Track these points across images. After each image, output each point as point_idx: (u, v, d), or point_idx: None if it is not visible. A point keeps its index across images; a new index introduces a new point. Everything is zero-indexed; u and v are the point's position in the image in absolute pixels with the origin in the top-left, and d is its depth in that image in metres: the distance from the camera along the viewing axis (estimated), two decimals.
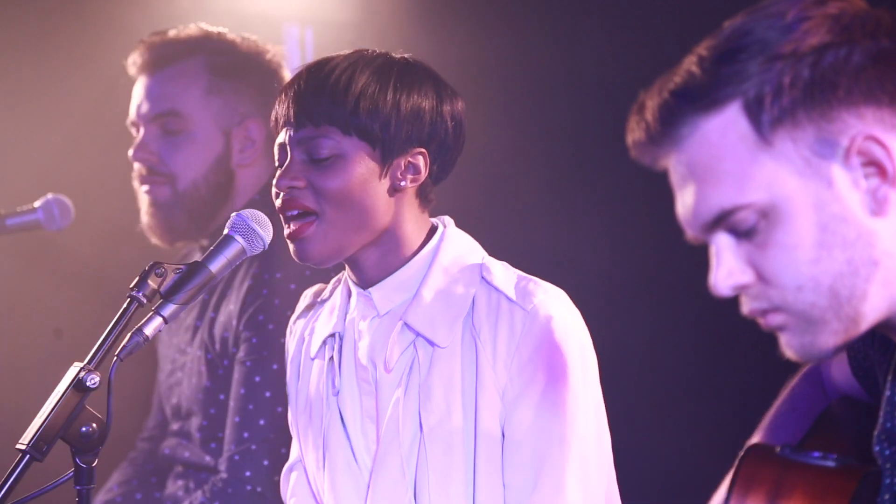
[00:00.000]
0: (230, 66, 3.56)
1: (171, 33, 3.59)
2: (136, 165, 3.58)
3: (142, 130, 3.57)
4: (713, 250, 1.82)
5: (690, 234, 1.85)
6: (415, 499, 2.54)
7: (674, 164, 1.83)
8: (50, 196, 3.62)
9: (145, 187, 3.57)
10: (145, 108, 3.57)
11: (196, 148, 3.54)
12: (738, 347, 3.76)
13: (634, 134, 1.84)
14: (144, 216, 3.58)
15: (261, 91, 3.55)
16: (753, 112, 1.77)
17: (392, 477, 2.56)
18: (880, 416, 1.93)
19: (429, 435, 2.54)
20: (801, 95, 1.76)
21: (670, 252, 3.74)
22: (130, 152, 3.57)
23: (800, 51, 1.76)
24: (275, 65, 3.60)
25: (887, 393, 1.93)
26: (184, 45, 3.56)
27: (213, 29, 3.63)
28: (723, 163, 1.78)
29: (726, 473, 2.12)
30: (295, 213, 2.55)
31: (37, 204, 3.62)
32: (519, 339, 2.52)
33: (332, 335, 2.66)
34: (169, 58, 3.56)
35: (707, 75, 1.78)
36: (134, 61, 3.60)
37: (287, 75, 3.58)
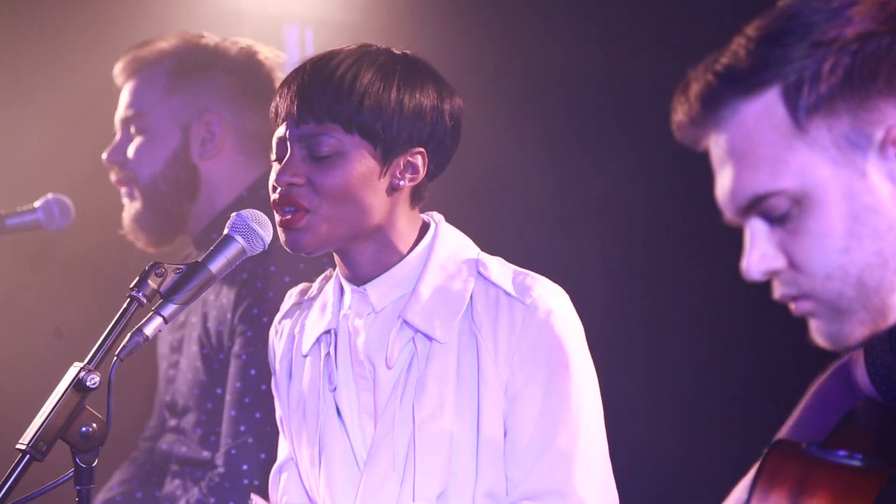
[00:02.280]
0: (193, 64, 3.62)
1: (149, 43, 3.66)
2: (112, 168, 3.67)
3: (117, 135, 3.66)
4: (747, 233, 1.81)
5: (727, 216, 1.84)
6: (402, 491, 2.55)
7: (713, 145, 1.82)
8: (50, 196, 3.63)
9: (122, 190, 3.66)
10: (118, 114, 3.68)
11: (153, 145, 3.61)
12: (738, 345, 3.76)
13: (678, 115, 1.83)
14: (123, 219, 3.64)
15: (228, 86, 3.60)
16: (791, 98, 1.75)
17: (383, 471, 2.56)
18: None
19: (420, 428, 2.54)
20: (840, 83, 1.74)
21: (670, 250, 3.75)
22: (104, 156, 3.65)
23: (842, 38, 1.74)
24: (254, 62, 3.63)
25: None
26: (156, 52, 3.64)
27: (193, 33, 3.67)
28: (759, 147, 1.77)
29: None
30: (291, 209, 2.55)
31: (37, 204, 3.62)
32: (519, 333, 2.53)
33: (328, 332, 2.65)
34: (141, 66, 3.65)
35: (751, 58, 1.77)
36: (116, 71, 3.69)
37: (274, 74, 3.62)
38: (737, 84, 1.78)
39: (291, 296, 2.78)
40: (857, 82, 1.74)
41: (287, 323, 2.76)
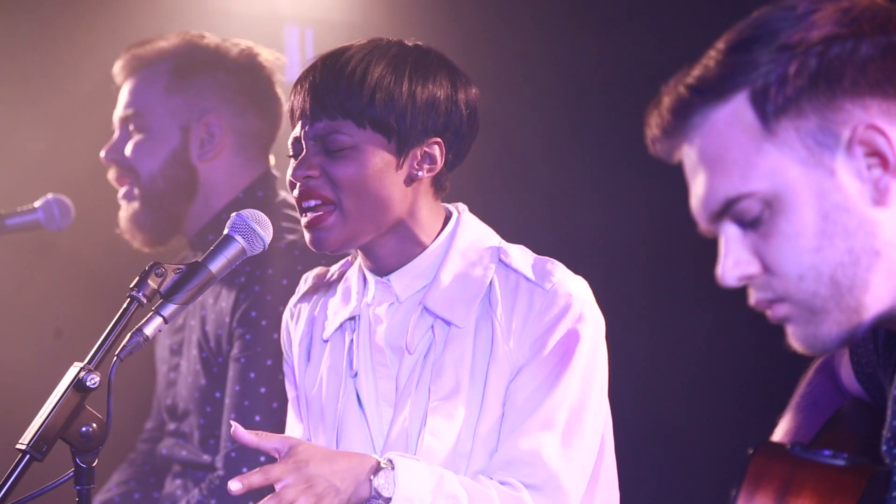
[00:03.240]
0: (194, 64, 3.61)
1: (150, 42, 3.64)
2: (110, 166, 3.66)
3: (115, 133, 3.64)
4: (721, 240, 1.83)
5: (702, 225, 1.85)
6: None
7: (686, 156, 1.84)
8: (50, 196, 3.63)
9: (122, 189, 3.65)
10: (117, 112, 3.67)
11: (152, 143, 3.60)
12: (739, 344, 3.76)
13: (651, 130, 1.85)
14: (119, 218, 3.63)
15: (229, 87, 3.59)
16: (759, 101, 1.78)
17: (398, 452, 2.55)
18: (887, 416, 1.93)
19: (434, 409, 2.55)
20: (806, 85, 1.76)
21: (676, 246, 3.75)
22: (102, 154, 3.62)
23: (807, 41, 1.76)
24: (255, 64, 3.61)
25: (894, 391, 1.93)
26: (156, 51, 3.62)
27: (195, 33, 3.66)
28: (729, 152, 1.79)
29: (726, 469, 2.12)
30: (312, 203, 2.56)
31: (37, 204, 3.63)
32: (536, 315, 2.54)
33: (352, 318, 2.65)
34: (141, 63, 3.63)
35: (719, 66, 1.80)
36: (116, 69, 3.67)
37: (274, 76, 3.62)
38: (706, 92, 1.80)
39: (308, 280, 2.78)
40: (822, 84, 1.76)
41: (304, 307, 2.75)
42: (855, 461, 1.91)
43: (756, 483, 1.89)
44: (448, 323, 2.57)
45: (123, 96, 3.65)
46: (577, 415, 2.54)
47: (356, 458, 2.46)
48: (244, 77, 3.61)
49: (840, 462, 1.90)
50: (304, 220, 2.58)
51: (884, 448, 1.91)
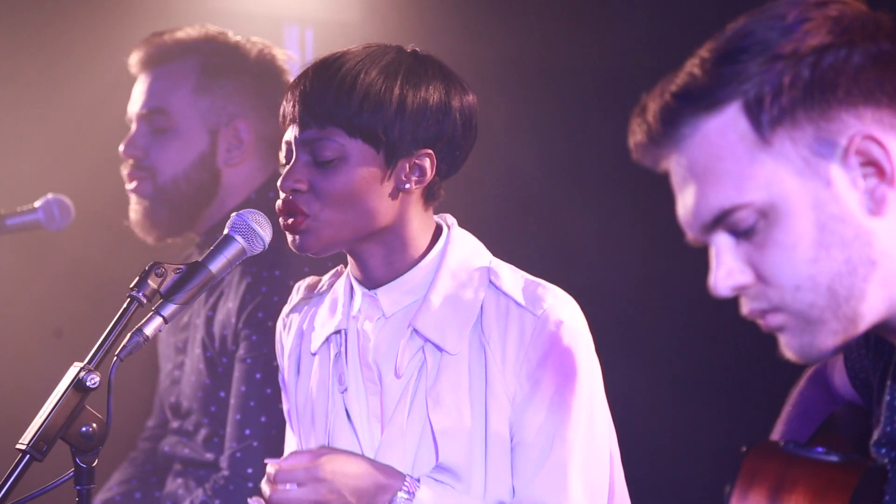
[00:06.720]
0: (222, 66, 3.58)
1: (171, 33, 3.62)
2: (127, 161, 3.62)
3: (133, 127, 3.61)
4: (713, 251, 1.82)
5: (690, 235, 1.85)
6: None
7: (674, 165, 1.83)
8: (50, 196, 3.63)
9: (132, 184, 3.62)
10: (137, 105, 3.62)
11: (179, 145, 3.58)
12: (736, 348, 3.76)
13: (636, 136, 1.84)
14: (130, 212, 3.61)
15: (254, 92, 3.58)
16: (753, 112, 1.77)
17: None
18: (880, 422, 1.93)
19: (441, 437, 2.52)
20: (801, 95, 1.76)
21: (671, 253, 3.75)
22: (121, 148, 3.60)
23: (800, 51, 1.76)
24: (274, 67, 3.61)
25: (887, 398, 1.93)
26: (180, 45, 3.60)
27: (215, 29, 3.64)
28: (722, 162, 1.78)
29: (720, 468, 2.12)
30: (294, 216, 2.54)
31: (37, 204, 3.62)
32: (528, 344, 2.51)
33: (338, 332, 2.64)
34: (163, 57, 3.60)
35: (708, 76, 1.79)
36: (133, 59, 3.63)
37: (290, 79, 3.61)
38: (696, 102, 1.79)
39: (300, 290, 2.76)
40: (817, 94, 1.76)
41: (295, 317, 2.73)
42: (848, 458, 1.91)
43: (750, 480, 1.89)
44: (440, 349, 2.54)
45: (143, 90, 3.61)
46: (588, 446, 2.53)
47: (384, 482, 2.48)
48: (265, 81, 3.60)
49: (833, 459, 1.91)
50: (282, 223, 2.55)
51: (876, 451, 1.91)
